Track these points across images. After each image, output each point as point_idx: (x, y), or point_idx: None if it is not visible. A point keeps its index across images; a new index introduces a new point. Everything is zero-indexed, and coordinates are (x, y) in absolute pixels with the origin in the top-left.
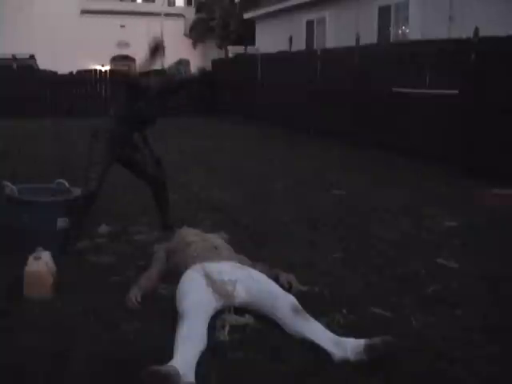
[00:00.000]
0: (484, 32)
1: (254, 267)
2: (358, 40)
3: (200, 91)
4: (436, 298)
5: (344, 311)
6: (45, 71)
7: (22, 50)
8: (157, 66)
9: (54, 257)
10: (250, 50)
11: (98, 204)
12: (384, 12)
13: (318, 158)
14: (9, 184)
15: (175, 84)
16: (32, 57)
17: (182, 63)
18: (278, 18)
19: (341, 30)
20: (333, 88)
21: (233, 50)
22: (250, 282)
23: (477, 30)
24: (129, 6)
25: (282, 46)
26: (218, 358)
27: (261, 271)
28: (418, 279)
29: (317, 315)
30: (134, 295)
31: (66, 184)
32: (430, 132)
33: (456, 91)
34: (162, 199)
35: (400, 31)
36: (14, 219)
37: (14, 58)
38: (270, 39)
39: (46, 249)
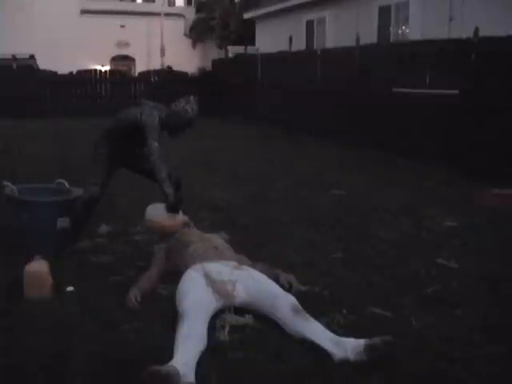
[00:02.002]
0: (484, 32)
1: (254, 267)
2: (358, 40)
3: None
4: (436, 298)
5: (344, 311)
6: (45, 71)
7: (21, 50)
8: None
9: (54, 257)
10: (250, 49)
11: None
12: (384, 12)
13: (318, 157)
14: (9, 184)
15: (183, 124)
16: (32, 57)
17: (191, 102)
18: (278, 18)
19: (341, 30)
20: (333, 88)
21: (233, 50)
22: (250, 282)
23: (477, 30)
24: (129, 6)
25: (282, 46)
26: (218, 358)
27: (261, 271)
28: (418, 279)
29: (317, 315)
30: (134, 295)
31: (66, 184)
32: (430, 132)
33: (456, 91)
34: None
35: (400, 31)
36: (14, 219)
37: (14, 58)
38: (270, 39)
39: (45, 249)
